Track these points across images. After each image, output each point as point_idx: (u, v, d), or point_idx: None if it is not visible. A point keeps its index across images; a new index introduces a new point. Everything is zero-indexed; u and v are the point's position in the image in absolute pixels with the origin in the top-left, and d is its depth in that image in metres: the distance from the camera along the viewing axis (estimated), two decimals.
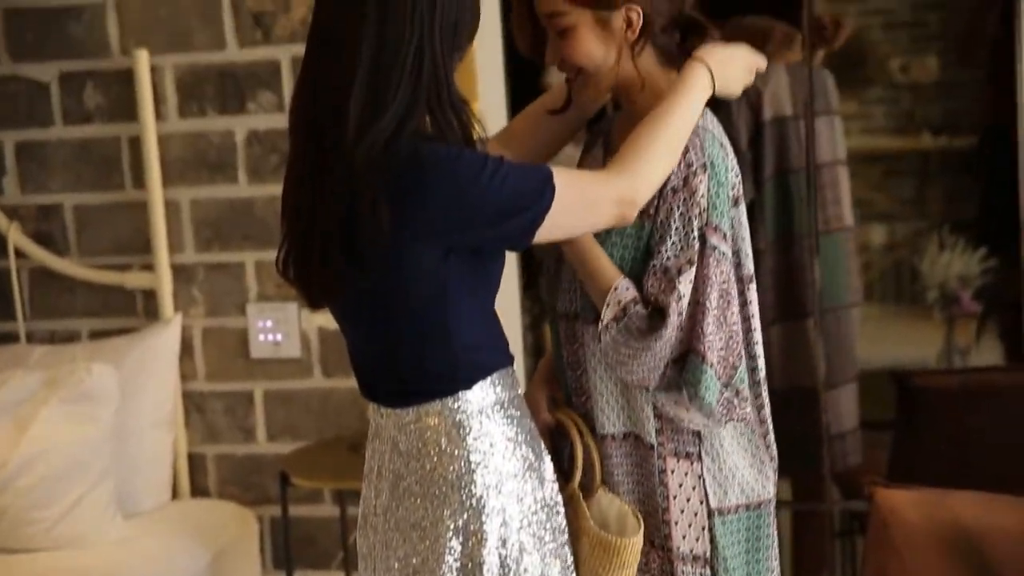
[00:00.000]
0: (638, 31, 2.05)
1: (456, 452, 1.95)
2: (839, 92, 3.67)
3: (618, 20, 2.04)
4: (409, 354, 1.96)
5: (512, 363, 2.05)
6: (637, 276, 2.01)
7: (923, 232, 5.07)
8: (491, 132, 3.10)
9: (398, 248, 1.87)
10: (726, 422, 2.02)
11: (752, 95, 3.41)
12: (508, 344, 2.05)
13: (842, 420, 3.44)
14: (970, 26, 4.97)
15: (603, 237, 2.04)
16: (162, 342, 3.39)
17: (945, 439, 2.86)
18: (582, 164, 2.25)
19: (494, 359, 2.01)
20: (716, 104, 2.13)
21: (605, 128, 2.25)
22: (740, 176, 2.09)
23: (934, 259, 4.08)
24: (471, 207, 1.86)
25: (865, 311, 4.89)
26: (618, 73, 2.07)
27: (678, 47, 2.11)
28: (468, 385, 1.96)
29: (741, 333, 2.01)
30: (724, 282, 1.99)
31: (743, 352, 2.01)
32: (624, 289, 1.99)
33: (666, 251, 1.99)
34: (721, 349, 1.97)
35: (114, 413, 3.22)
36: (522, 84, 3.42)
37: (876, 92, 5.27)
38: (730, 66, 2.06)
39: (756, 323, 2.09)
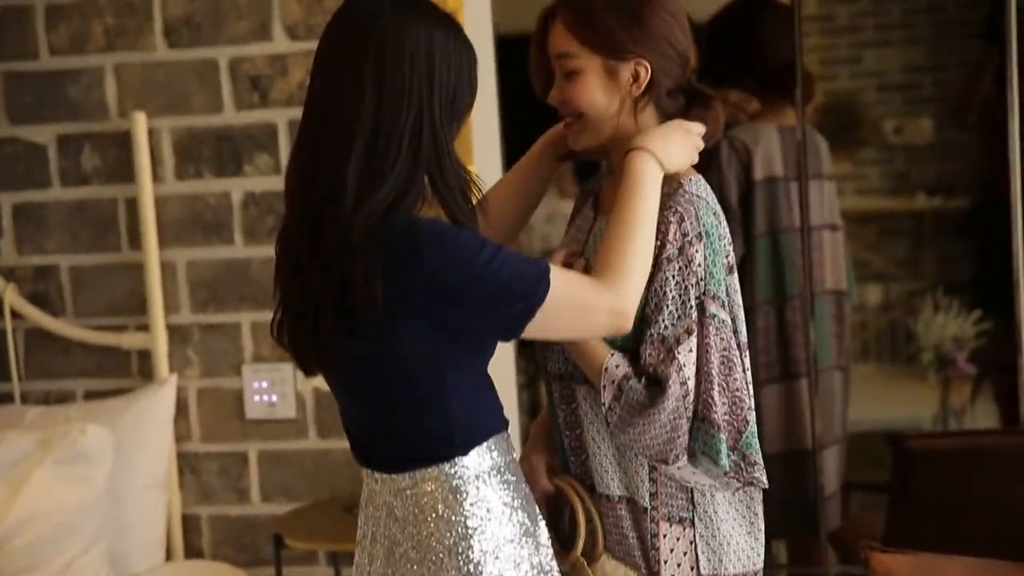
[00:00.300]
0: (643, 87, 2.07)
1: (453, 518, 1.95)
2: (833, 152, 3.69)
3: (626, 72, 2.07)
4: (406, 420, 1.96)
5: (507, 427, 2.05)
6: (631, 345, 2.02)
7: (917, 292, 5.08)
8: None
9: (392, 318, 1.87)
10: (736, 488, 2.03)
11: (743, 153, 3.43)
12: (503, 408, 2.06)
13: (828, 482, 3.43)
14: (963, 88, 5.00)
15: None
16: (157, 403, 3.39)
17: (941, 502, 2.85)
18: (572, 223, 2.27)
19: (491, 424, 2.01)
20: (708, 161, 2.15)
21: (595, 188, 2.27)
22: (732, 243, 2.10)
23: (929, 321, 4.08)
24: (463, 288, 1.86)
25: (860, 371, 4.90)
26: (617, 126, 2.09)
27: (682, 115, 2.12)
28: (465, 451, 1.96)
29: (748, 397, 2.02)
30: (725, 349, 2.00)
31: (748, 417, 2.01)
32: (615, 367, 2.00)
33: (663, 320, 1.99)
34: (726, 414, 1.98)
35: (108, 474, 3.21)
36: (517, 145, 3.45)
37: (870, 153, 5.30)
38: (669, 143, 2.04)
39: (750, 389, 2.09)
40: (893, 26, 5.39)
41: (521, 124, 3.54)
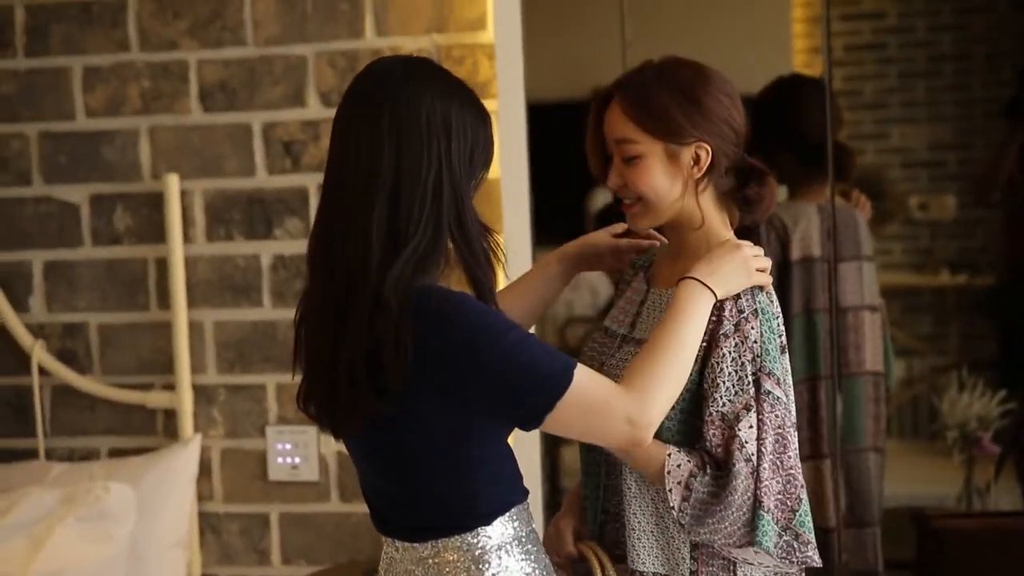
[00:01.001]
0: (704, 169, 2.09)
1: None
2: None
3: (687, 155, 2.09)
4: (429, 489, 1.96)
5: (527, 497, 2.06)
6: (686, 421, 2.03)
7: (940, 368, 5.07)
8: (517, 259, 3.15)
9: (419, 386, 1.88)
10: (793, 567, 2.02)
11: (781, 231, 3.44)
12: (523, 478, 2.06)
13: (863, 561, 3.40)
14: (986, 166, 5.02)
15: None
16: (181, 462, 3.40)
17: None
18: (619, 297, 2.28)
19: (513, 494, 2.02)
20: (750, 238, 2.17)
21: (645, 263, 2.28)
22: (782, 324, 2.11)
23: (954, 399, 4.07)
24: (488, 366, 1.87)
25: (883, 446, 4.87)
26: (680, 208, 2.12)
27: (737, 192, 2.15)
28: (488, 520, 1.97)
29: (802, 476, 2.02)
30: (779, 427, 2.01)
31: (801, 496, 2.01)
32: (677, 467, 1.99)
33: (720, 397, 2.00)
34: (779, 493, 1.98)
35: (130, 532, 3.22)
36: (546, 211, 3.48)
37: (895, 228, 5.31)
38: (725, 272, 2.03)
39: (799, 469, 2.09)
40: (919, 103, 5.42)
41: (550, 190, 3.59)
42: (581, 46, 3.87)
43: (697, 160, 2.09)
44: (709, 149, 2.08)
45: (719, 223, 2.15)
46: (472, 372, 1.87)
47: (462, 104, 1.96)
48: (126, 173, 3.50)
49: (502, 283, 2.17)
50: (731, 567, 2.05)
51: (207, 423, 3.50)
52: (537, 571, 1.99)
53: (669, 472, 1.99)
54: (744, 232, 2.17)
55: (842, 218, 3.48)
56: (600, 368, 2.14)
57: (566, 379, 1.88)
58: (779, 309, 2.11)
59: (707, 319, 2.01)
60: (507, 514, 1.99)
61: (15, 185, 3.55)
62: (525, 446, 3.25)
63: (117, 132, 3.50)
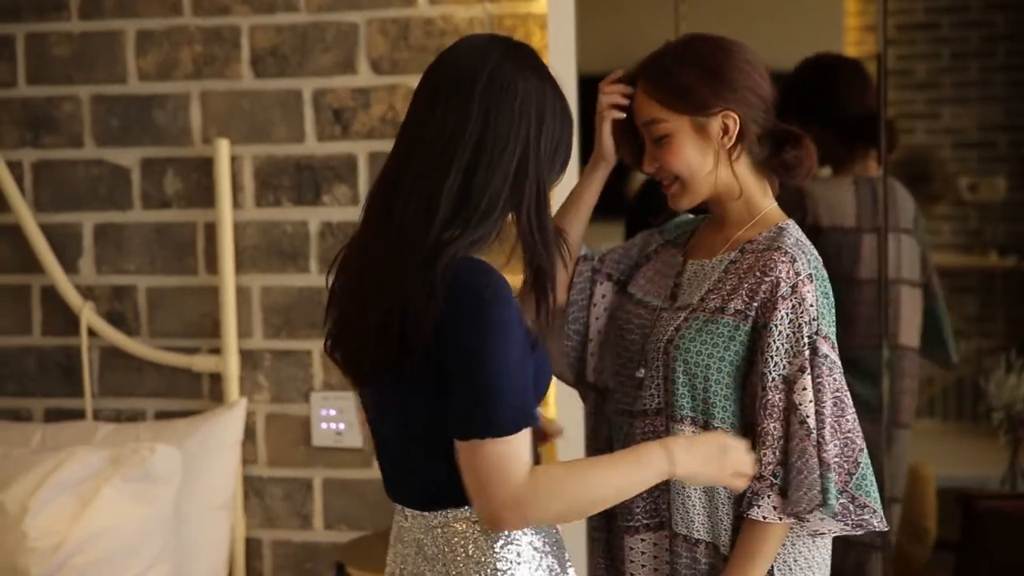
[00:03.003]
0: (734, 137, 2.09)
1: (483, 559, 1.93)
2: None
3: (715, 126, 2.09)
4: (440, 458, 1.92)
5: None
6: (731, 374, 2.05)
7: (985, 350, 5.04)
8: None
9: (434, 350, 1.87)
10: (847, 532, 2.05)
11: (808, 202, 3.42)
12: (538, 458, 2.04)
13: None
14: None
15: (692, 334, 2.06)
16: (225, 426, 3.42)
17: (1009, 562, 2.82)
18: (644, 266, 2.27)
19: None
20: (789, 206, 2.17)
21: (677, 236, 2.28)
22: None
23: (1001, 381, 4.05)
24: (468, 357, 1.83)
25: (927, 426, 4.86)
26: (715, 180, 2.12)
27: (774, 158, 2.15)
28: None
29: (860, 439, 2.03)
30: (837, 390, 2.04)
31: (859, 459, 2.03)
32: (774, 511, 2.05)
33: (780, 360, 2.02)
34: (837, 456, 2.01)
35: (175, 494, 3.25)
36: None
37: (944, 209, 5.28)
38: (698, 459, 1.95)
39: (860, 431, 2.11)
40: (971, 83, 5.37)
41: None
42: (635, 19, 3.86)
43: (726, 129, 2.10)
44: (736, 117, 2.09)
45: (759, 191, 2.16)
46: (455, 350, 1.84)
47: (555, 98, 1.96)
48: (177, 137, 3.52)
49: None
50: None
51: (252, 387, 3.52)
52: (546, 547, 1.98)
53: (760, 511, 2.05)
54: (787, 202, 2.17)
55: (879, 191, 3.47)
56: (644, 343, 2.14)
57: (503, 429, 1.82)
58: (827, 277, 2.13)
59: (647, 486, 1.94)
60: None
61: (67, 147, 3.58)
62: (574, 420, 3.26)
63: (168, 96, 3.52)
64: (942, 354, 3.67)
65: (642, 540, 2.15)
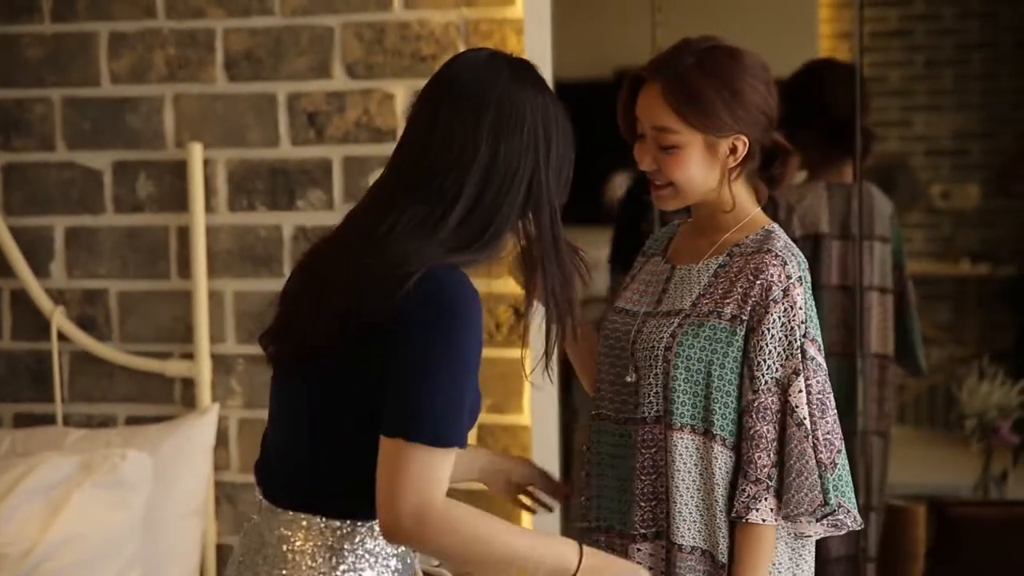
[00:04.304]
0: (740, 159, 2.10)
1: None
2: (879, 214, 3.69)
3: (724, 146, 2.11)
4: (330, 458, 1.90)
5: None
6: (731, 379, 2.06)
7: (958, 358, 5.06)
8: None
9: (372, 344, 1.85)
10: (821, 529, 2.08)
11: (784, 209, 3.44)
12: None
13: (870, 547, 3.40)
14: (1010, 157, 5.01)
15: (690, 340, 2.07)
16: (198, 431, 3.40)
17: (984, 571, 2.83)
18: (634, 280, 2.28)
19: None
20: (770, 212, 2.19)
21: (658, 248, 2.28)
22: None
23: (974, 388, 4.07)
24: (414, 357, 1.81)
25: (899, 434, 4.87)
26: (709, 192, 2.13)
27: (763, 171, 2.19)
28: (364, 515, 1.92)
29: (839, 440, 2.07)
30: (820, 392, 2.07)
31: (836, 460, 2.06)
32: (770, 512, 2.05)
33: (774, 363, 2.04)
34: (826, 456, 2.04)
35: (146, 500, 3.23)
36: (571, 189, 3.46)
37: (916, 216, 5.30)
38: None
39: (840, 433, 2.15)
40: (944, 91, 5.40)
41: (577, 168, 3.57)
42: (611, 26, 3.86)
43: (734, 151, 2.12)
44: (747, 141, 2.11)
45: (748, 203, 2.19)
46: (413, 350, 1.81)
47: (557, 116, 1.95)
48: (150, 141, 3.50)
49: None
50: None
51: (225, 393, 3.50)
52: None
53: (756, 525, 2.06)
54: (769, 207, 2.20)
55: (856, 197, 3.49)
56: (632, 348, 2.15)
57: (434, 440, 1.79)
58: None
59: (543, 572, 1.88)
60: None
61: (38, 150, 3.55)
62: (545, 427, 3.26)
63: (142, 99, 3.49)
64: (912, 362, 3.68)
65: (639, 550, 2.14)
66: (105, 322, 3.55)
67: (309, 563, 1.91)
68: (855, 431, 3.33)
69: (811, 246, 3.44)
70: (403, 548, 1.96)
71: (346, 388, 1.88)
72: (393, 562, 1.95)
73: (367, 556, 1.93)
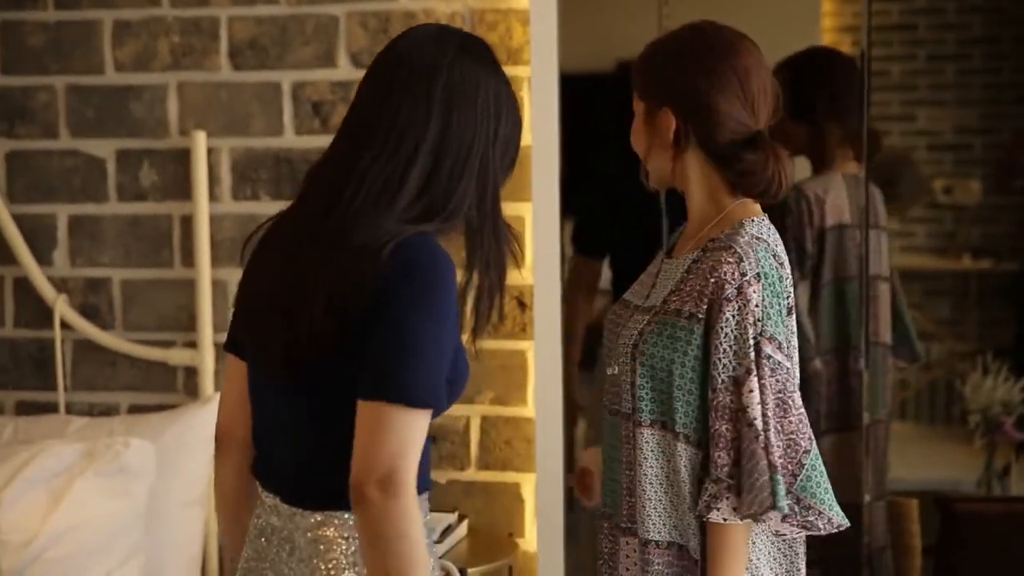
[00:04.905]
0: (672, 137, 2.08)
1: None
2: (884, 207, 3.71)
3: (661, 119, 2.09)
4: (333, 451, 1.89)
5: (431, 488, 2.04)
6: (692, 378, 2.04)
7: (959, 354, 5.06)
8: (544, 229, 3.14)
9: (360, 333, 1.85)
10: (795, 533, 2.04)
11: (814, 202, 3.44)
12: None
13: (877, 538, 3.41)
14: (1009, 151, 5.01)
15: (654, 338, 2.05)
16: (200, 420, 3.39)
17: (986, 566, 2.83)
18: (652, 263, 2.27)
19: (426, 478, 1.98)
20: (783, 208, 2.16)
21: (680, 231, 2.28)
22: (793, 286, 2.10)
23: (978, 384, 4.07)
24: (393, 322, 1.82)
25: (901, 429, 4.88)
26: (658, 170, 2.12)
27: (732, 165, 2.11)
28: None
29: (806, 440, 2.01)
30: (780, 391, 2.01)
31: (803, 461, 2.01)
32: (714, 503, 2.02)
33: (726, 360, 2.00)
34: (780, 456, 1.98)
35: (148, 489, 3.22)
36: (576, 183, 3.46)
37: (918, 211, 5.30)
38: None
39: (809, 432, 2.09)
40: (947, 86, 5.39)
41: (581, 162, 3.57)
42: (617, 16, 3.85)
43: (668, 126, 2.09)
44: (674, 118, 2.08)
45: (722, 189, 2.12)
46: (389, 316, 1.83)
47: (509, 95, 1.97)
48: (153, 129, 3.49)
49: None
50: None
51: None
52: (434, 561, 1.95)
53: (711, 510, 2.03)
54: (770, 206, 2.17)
55: (864, 188, 3.49)
56: (616, 338, 2.15)
57: (413, 401, 1.80)
58: (788, 271, 2.09)
59: None
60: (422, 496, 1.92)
61: (42, 138, 3.54)
62: (550, 419, 3.26)
63: (145, 87, 3.48)
64: (909, 350, 3.68)
65: (627, 543, 2.14)
66: (108, 310, 3.55)
67: (344, 548, 1.92)
68: (876, 422, 3.35)
69: (840, 237, 3.45)
70: (427, 518, 1.98)
71: (346, 382, 1.87)
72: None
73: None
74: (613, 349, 2.16)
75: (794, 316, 2.10)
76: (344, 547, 1.93)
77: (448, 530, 3.16)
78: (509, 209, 3.20)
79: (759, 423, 1.97)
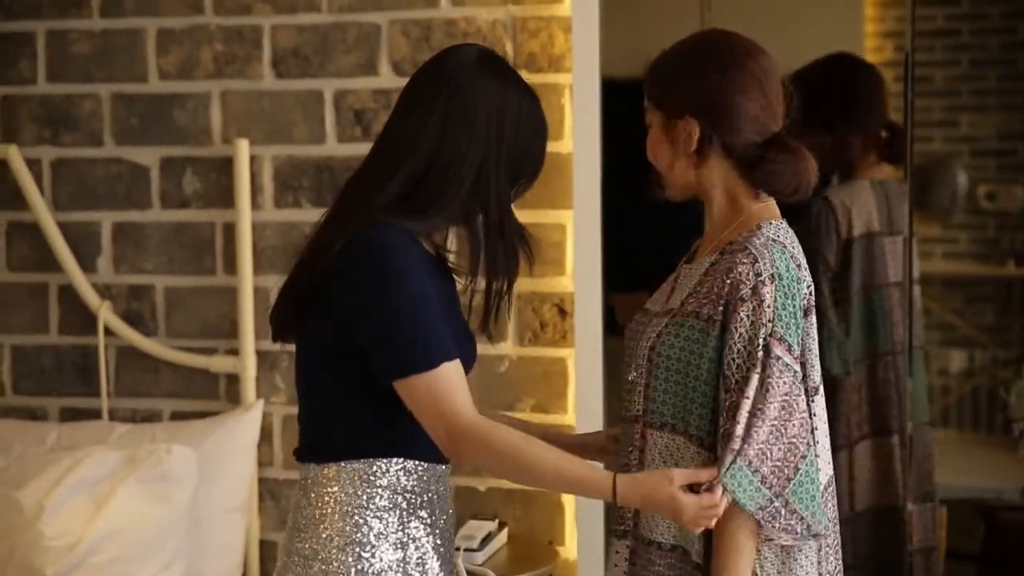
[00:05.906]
0: (695, 145, 2.07)
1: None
2: (923, 214, 3.69)
3: (681, 128, 2.08)
4: (329, 408, 2.10)
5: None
6: (708, 381, 2.03)
7: (1001, 361, 5.02)
8: (585, 235, 3.13)
9: (331, 303, 2.02)
10: (772, 534, 2.01)
11: (840, 211, 3.43)
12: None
13: (927, 537, 3.39)
14: None
15: (671, 340, 2.05)
16: (242, 427, 3.41)
17: None
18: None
19: (412, 445, 2.09)
20: (810, 217, 2.15)
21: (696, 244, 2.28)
22: (812, 288, 2.09)
23: (1021, 392, 4.03)
24: (375, 308, 1.97)
25: (942, 436, 4.84)
26: (685, 179, 2.11)
27: (756, 169, 2.09)
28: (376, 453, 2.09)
29: (805, 446, 2.00)
30: (786, 393, 1.99)
31: (800, 466, 1.99)
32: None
33: (740, 360, 2.00)
34: (777, 460, 1.97)
35: (190, 495, 3.24)
36: (618, 189, 3.45)
37: (961, 217, 5.26)
38: (644, 496, 2.00)
39: (820, 436, 2.08)
40: (990, 91, 5.34)
41: (623, 168, 3.56)
42: (659, 23, 3.84)
43: (689, 135, 2.08)
44: (698, 125, 2.06)
45: (744, 193, 2.11)
46: (363, 306, 1.97)
47: (522, 112, 2.06)
48: (196, 137, 3.51)
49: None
50: None
51: (269, 389, 3.51)
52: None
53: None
54: (790, 207, 2.14)
55: (894, 194, 3.51)
56: (636, 344, 2.15)
57: (429, 364, 1.95)
58: (806, 273, 2.07)
59: (586, 487, 2.03)
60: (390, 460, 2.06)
61: (87, 146, 3.57)
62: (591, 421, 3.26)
63: (189, 95, 3.51)
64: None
65: (627, 546, 2.14)
66: (151, 317, 3.57)
67: (340, 496, 2.07)
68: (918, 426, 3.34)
69: (868, 246, 3.43)
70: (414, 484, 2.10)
71: (317, 340, 2.06)
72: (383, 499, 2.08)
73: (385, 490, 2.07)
74: (633, 354, 2.16)
75: (813, 318, 2.08)
76: (340, 495, 2.08)
77: (488, 537, 3.16)
78: (550, 217, 3.25)
79: (744, 413, 1.97)
